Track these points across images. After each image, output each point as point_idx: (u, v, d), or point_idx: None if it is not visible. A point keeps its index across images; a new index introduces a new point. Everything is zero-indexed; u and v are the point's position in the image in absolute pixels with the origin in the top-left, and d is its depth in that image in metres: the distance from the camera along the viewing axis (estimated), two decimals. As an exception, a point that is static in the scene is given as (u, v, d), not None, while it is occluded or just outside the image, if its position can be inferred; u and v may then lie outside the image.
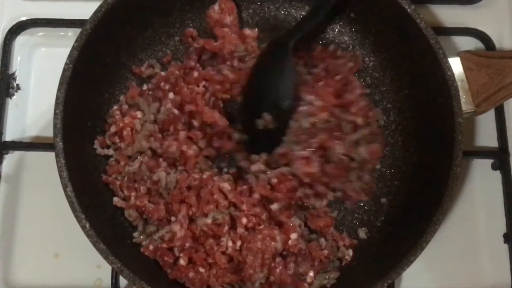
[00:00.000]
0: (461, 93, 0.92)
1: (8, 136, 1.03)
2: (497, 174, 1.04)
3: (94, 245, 0.84)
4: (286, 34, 0.97)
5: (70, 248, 0.96)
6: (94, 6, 0.94)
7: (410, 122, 1.01)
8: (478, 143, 1.05)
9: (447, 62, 0.91)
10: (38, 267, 0.98)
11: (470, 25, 1.09)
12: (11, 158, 1.03)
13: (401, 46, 0.99)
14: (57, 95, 0.88)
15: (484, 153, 1.05)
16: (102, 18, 0.91)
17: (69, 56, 0.89)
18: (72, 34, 1.07)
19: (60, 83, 0.88)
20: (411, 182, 0.98)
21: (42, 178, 0.98)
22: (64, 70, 0.89)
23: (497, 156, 1.04)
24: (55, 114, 0.87)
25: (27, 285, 0.97)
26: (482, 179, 1.04)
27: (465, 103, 0.96)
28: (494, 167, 1.04)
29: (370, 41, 1.04)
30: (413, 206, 0.95)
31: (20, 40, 1.07)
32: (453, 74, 0.91)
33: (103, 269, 0.95)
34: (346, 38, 1.06)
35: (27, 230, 0.99)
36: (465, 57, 0.99)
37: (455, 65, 0.96)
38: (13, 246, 0.99)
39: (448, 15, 1.10)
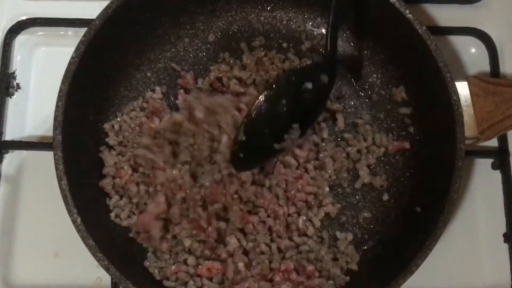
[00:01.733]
0: (465, 118, 0.91)
1: (8, 136, 1.02)
2: (497, 174, 1.04)
3: (83, 241, 0.84)
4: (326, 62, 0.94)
5: (70, 248, 0.96)
6: (95, 6, 0.94)
7: (412, 143, 1.00)
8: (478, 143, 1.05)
9: (454, 86, 0.90)
10: (38, 266, 0.98)
11: (470, 25, 1.09)
12: (11, 157, 1.02)
13: (410, 66, 0.99)
14: (60, 88, 0.88)
15: (484, 152, 1.05)
16: (112, 15, 0.91)
17: (76, 50, 0.89)
18: (72, 34, 1.07)
19: (65, 76, 0.88)
20: (407, 205, 0.97)
21: (42, 178, 0.98)
22: (70, 63, 0.89)
23: (497, 156, 1.04)
24: (56, 106, 0.88)
25: (27, 285, 0.97)
26: (482, 179, 1.04)
27: (469, 129, 0.95)
28: (494, 166, 1.04)
29: (379, 58, 1.03)
30: (407, 228, 0.95)
31: (20, 40, 1.07)
32: (458, 99, 0.90)
33: (103, 269, 0.95)
34: (356, 53, 1.05)
35: (27, 230, 0.99)
36: (473, 82, 0.99)
37: (462, 89, 0.96)
38: (13, 245, 0.99)
39: (448, 15, 1.10)
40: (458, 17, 1.10)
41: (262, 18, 1.06)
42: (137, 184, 0.95)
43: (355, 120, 1.02)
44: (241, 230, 0.94)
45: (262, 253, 0.93)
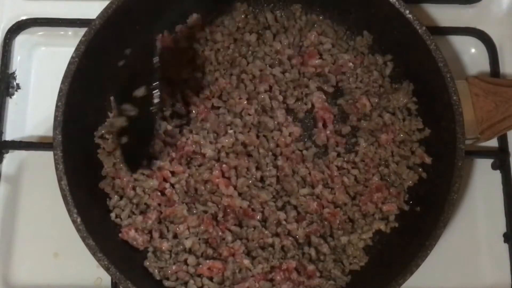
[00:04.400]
0: (465, 118, 0.91)
1: (8, 136, 1.02)
2: (497, 174, 1.04)
3: (83, 241, 0.84)
4: None
5: (70, 248, 0.96)
6: (95, 6, 0.94)
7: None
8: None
9: (454, 86, 0.91)
10: (38, 266, 0.98)
11: (470, 25, 1.10)
12: (11, 157, 1.02)
13: (410, 66, 0.99)
14: (60, 88, 0.88)
15: (484, 152, 1.05)
16: (112, 15, 0.91)
17: (76, 50, 0.89)
18: (72, 34, 1.07)
19: (65, 76, 0.89)
20: (407, 205, 0.97)
21: (42, 178, 0.98)
22: (70, 63, 0.89)
23: (497, 156, 1.04)
24: (56, 106, 0.88)
25: (27, 285, 0.97)
26: (482, 179, 1.04)
27: (469, 129, 0.95)
28: (494, 166, 1.04)
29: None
30: (407, 228, 0.95)
31: (20, 40, 1.07)
32: (459, 99, 0.90)
33: (103, 269, 0.95)
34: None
35: (27, 230, 0.99)
36: (473, 82, 1.00)
37: (462, 89, 0.96)
38: (13, 246, 0.99)
39: (448, 15, 1.10)
40: (458, 17, 1.10)
41: (262, 19, 1.06)
42: (134, 188, 0.94)
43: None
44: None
45: (264, 251, 0.93)
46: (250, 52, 1.01)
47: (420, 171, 0.97)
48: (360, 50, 1.03)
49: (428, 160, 0.96)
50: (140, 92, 0.85)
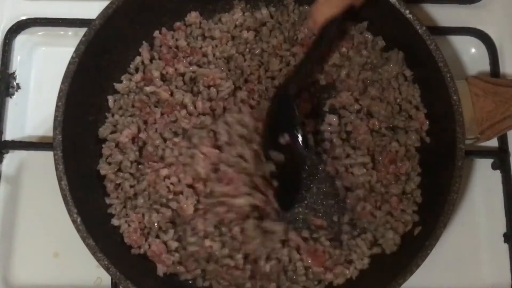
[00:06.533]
0: (465, 118, 0.91)
1: (8, 136, 1.03)
2: (497, 174, 1.04)
3: (83, 240, 0.85)
4: (287, 82, 0.94)
5: (70, 248, 0.96)
6: (95, 6, 0.94)
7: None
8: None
9: (454, 86, 0.91)
10: (38, 266, 0.98)
11: (470, 25, 1.09)
12: (11, 157, 1.03)
13: (410, 66, 0.99)
14: (60, 88, 0.88)
15: (484, 152, 1.05)
16: (112, 15, 0.92)
17: (76, 50, 0.90)
18: (72, 34, 1.07)
19: (65, 77, 0.89)
20: None
21: (42, 178, 0.98)
22: (70, 63, 0.89)
23: (497, 156, 1.04)
24: (57, 106, 0.88)
25: (27, 285, 0.97)
26: (482, 179, 1.04)
27: (469, 129, 0.96)
28: (494, 166, 1.04)
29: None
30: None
31: (20, 40, 1.07)
32: (459, 99, 0.90)
33: (103, 269, 0.95)
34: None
35: (27, 230, 1.00)
36: (472, 82, 1.00)
37: (462, 89, 0.96)
38: (13, 246, 0.99)
39: (448, 15, 1.10)
40: (458, 17, 1.10)
41: (258, 15, 1.05)
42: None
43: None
44: None
45: None
46: (247, 50, 1.01)
47: (424, 136, 0.97)
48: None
49: (425, 126, 0.96)
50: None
